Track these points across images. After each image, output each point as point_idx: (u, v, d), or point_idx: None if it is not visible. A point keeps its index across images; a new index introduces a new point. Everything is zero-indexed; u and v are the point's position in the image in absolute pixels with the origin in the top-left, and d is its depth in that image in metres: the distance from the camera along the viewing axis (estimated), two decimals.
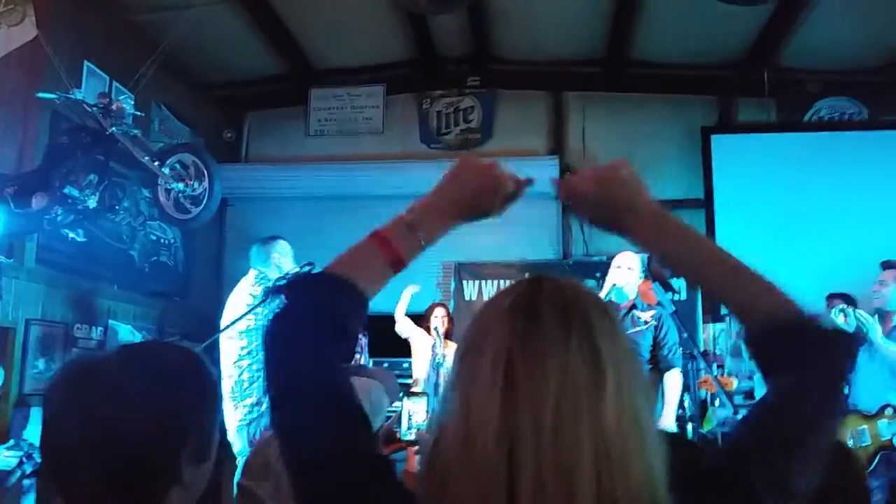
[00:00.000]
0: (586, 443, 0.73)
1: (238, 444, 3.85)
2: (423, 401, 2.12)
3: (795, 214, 6.23)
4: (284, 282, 0.88)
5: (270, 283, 3.98)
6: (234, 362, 3.95)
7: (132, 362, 1.03)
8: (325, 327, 0.90)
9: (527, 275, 0.91)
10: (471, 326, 0.84)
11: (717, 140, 6.71)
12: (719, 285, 0.99)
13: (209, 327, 5.57)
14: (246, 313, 3.84)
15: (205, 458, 1.04)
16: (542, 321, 0.79)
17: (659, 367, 3.92)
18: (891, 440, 3.64)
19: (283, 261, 4.14)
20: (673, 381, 3.92)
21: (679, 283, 6.28)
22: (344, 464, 0.81)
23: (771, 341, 0.93)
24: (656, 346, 3.93)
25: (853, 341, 0.98)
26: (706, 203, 6.64)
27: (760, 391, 1.90)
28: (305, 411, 0.85)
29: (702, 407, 4.77)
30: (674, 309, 3.44)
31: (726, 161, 6.62)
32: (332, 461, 0.81)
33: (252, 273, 4.22)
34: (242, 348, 3.94)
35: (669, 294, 3.77)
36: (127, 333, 5.85)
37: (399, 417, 2.07)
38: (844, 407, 0.88)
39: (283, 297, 0.95)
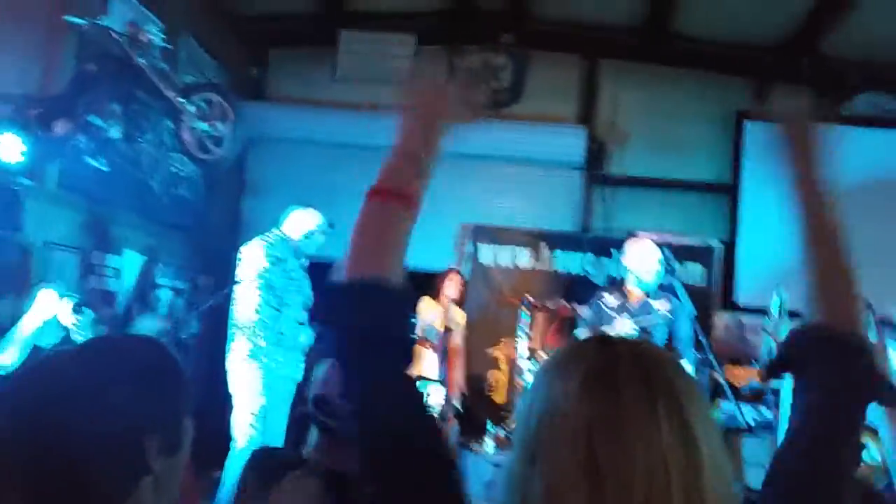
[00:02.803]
0: None
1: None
2: (440, 388, 2.12)
3: None
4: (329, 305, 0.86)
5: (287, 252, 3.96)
6: (256, 311, 3.97)
7: (88, 358, 1.04)
8: (388, 348, 0.90)
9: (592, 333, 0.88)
10: (538, 400, 0.79)
11: (750, 126, 6.58)
12: (818, 262, 1.07)
13: (225, 264, 5.62)
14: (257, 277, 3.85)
15: (176, 448, 1.05)
16: (620, 393, 0.74)
17: None
18: None
19: (316, 235, 4.08)
20: None
21: (695, 269, 6.26)
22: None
23: (825, 344, 0.98)
24: (670, 338, 3.90)
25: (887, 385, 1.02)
26: (732, 188, 6.56)
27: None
28: (393, 443, 0.85)
29: (711, 397, 4.77)
30: (694, 312, 3.40)
31: (758, 147, 6.49)
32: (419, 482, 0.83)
33: (275, 233, 4.17)
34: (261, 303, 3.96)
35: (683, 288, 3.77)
36: (137, 263, 5.87)
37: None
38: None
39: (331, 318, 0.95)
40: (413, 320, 0.99)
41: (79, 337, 3.34)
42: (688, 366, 3.88)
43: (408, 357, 0.94)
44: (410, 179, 0.98)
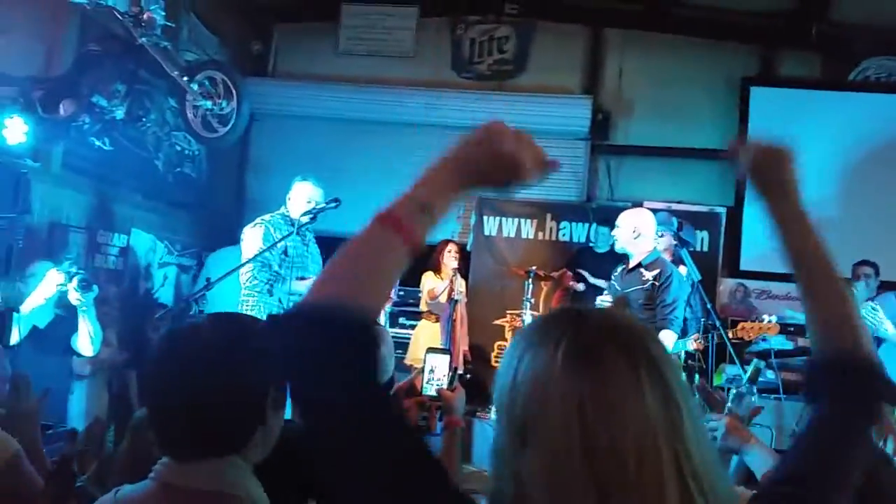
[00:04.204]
0: (670, 478, 0.74)
1: None
2: (445, 357, 2.14)
3: (830, 176, 6.11)
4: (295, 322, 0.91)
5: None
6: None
7: (222, 328, 1.26)
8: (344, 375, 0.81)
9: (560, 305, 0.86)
10: (521, 378, 0.78)
11: (756, 92, 6.53)
12: (814, 294, 1.06)
13: (229, 241, 5.64)
14: (249, 261, 3.92)
15: (282, 405, 1.25)
16: (605, 365, 0.76)
17: (654, 325, 3.86)
18: None
19: (317, 212, 4.11)
20: (665, 342, 3.90)
21: (700, 235, 6.27)
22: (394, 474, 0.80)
23: (835, 368, 1.01)
24: (651, 302, 3.92)
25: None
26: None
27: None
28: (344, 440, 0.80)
29: (716, 362, 4.80)
30: (699, 277, 3.42)
31: (764, 114, 6.45)
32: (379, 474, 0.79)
33: (276, 213, 4.21)
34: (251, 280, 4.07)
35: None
36: (148, 242, 5.94)
37: (421, 372, 2.09)
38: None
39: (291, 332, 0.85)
40: (373, 359, 0.97)
41: (84, 314, 3.36)
42: (669, 335, 3.84)
43: (370, 397, 0.83)
44: (415, 217, 0.89)
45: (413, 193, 0.90)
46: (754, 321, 4.39)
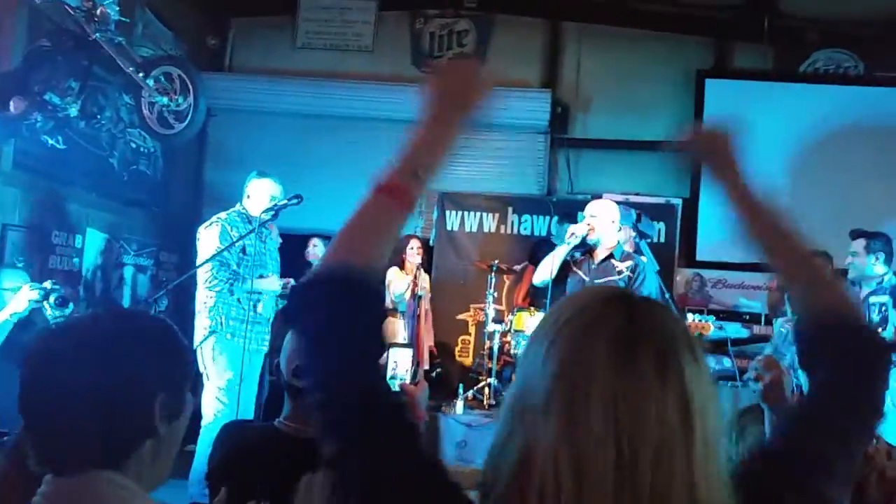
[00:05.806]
0: (679, 487, 0.76)
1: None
2: (408, 351, 2.16)
3: (783, 167, 6.26)
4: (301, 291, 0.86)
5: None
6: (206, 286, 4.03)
7: (108, 324, 1.13)
8: (356, 340, 0.90)
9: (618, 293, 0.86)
10: (567, 355, 0.79)
11: (711, 84, 6.65)
12: (788, 267, 1.10)
13: (188, 240, 5.58)
14: (207, 260, 3.88)
15: (177, 415, 1.12)
16: (639, 365, 0.78)
17: None
18: None
19: (273, 200, 4.08)
20: None
21: (658, 226, 6.37)
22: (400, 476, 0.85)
23: (823, 335, 1.01)
24: None
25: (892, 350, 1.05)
26: None
27: None
28: (356, 424, 0.87)
29: None
30: (657, 268, 3.48)
31: (719, 106, 6.57)
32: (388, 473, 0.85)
33: (234, 209, 4.17)
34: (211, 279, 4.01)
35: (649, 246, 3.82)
36: (104, 242, 5.82)
37: (385, 367, 2.10)
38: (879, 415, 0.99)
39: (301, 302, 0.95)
40: (381, 311, 0.99)
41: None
42: None
43: (375, 347, 0.94)
44: (408, 181, 0.99)
45: (402, 159, 1.00)
46: (690, 320, 4.47)
